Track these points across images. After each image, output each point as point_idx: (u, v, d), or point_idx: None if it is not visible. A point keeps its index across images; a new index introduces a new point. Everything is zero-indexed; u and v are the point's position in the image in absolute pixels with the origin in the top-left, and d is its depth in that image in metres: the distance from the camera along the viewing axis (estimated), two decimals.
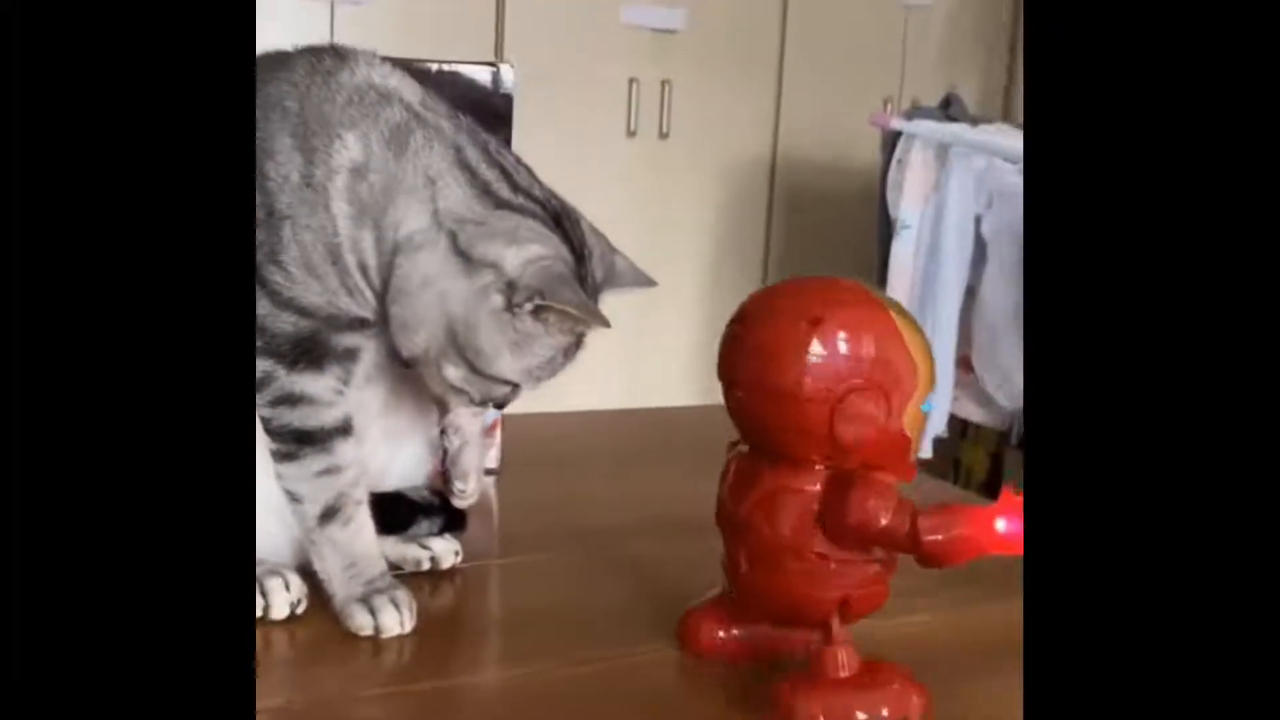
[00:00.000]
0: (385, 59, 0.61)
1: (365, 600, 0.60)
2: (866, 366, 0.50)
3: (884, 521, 0.50)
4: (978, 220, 2.05)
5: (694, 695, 0.56)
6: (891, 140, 2.17)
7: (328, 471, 0.60)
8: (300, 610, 0.60)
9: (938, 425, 2.13)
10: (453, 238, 0.57)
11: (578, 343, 0.60)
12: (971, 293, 2.10)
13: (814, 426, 0.50)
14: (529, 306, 0.57)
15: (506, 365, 0.58)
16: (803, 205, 2.79)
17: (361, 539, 0.61)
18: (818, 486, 0.51)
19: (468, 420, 0.67)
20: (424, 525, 0.70)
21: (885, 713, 0.51)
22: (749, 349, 0.52)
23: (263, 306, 0.59)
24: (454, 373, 0.58)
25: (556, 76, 2.51)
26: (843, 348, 0.50)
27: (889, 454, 0.52)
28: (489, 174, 0.59)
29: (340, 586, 0.60)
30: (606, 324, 0.59)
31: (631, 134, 2.62)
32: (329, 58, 0.60)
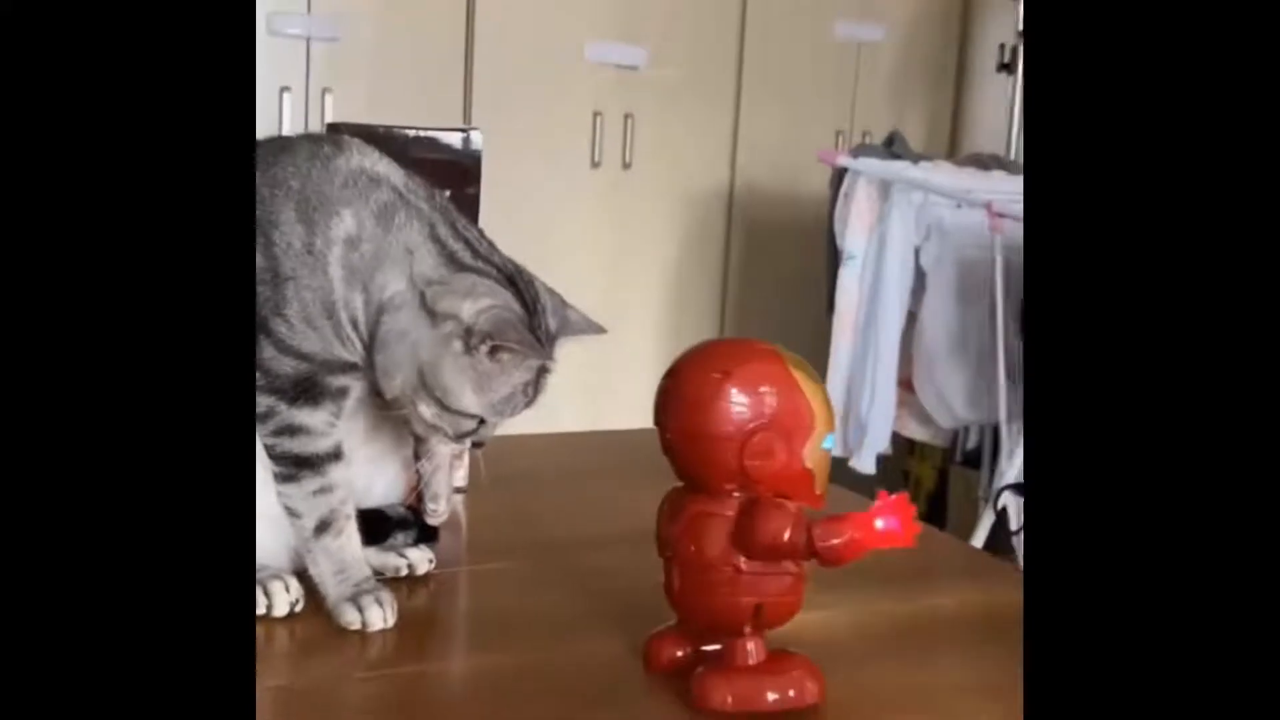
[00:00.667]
0: (374, 146, 0.73)
1: (354, 599, 0.70)
2: (769, 411, 0.61)
3: (786, 537, 0.60)
4: (917, 251, 2.19)
5: (635, 683, 0.66)
6: (838, 175, 2.30)
7: (322, 491, 0.71)
8: (299, 609, 0.71)
9: (881, 443, 2.25)
10: (422, 297, 0.68)
11: (537, 382, 0.71)
12: (913, 318, 2.24)
13: (727, 460, 0.61)
14: (484, 348, 0.68)
15: (470, 401, 0.69)
16: (759, 233, 2.92)
17: (350, 548, 0.72)
18: (732, 511, 0.62)
19: (440, 448, 0.78)
20: (400, 538, 0.80)
21: (789, 694, 0.62)
22: (675, 399, 0.63)
23: (267, 351, 0.69)
24: (427, 410, 0.69)
25: (524, 110, 2.62)
26: (748, 395, 0.61)
27: (794, 485, 0.62)
28: (455, 245, 0.70)
29: (332, 588, 0.71)
30: (547, 357, 0.70)
31: (596, 165, 2.73)
32: (327, 145, 0.71)
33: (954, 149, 3.10)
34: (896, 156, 2.32)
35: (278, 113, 2.42)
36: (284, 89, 2.42)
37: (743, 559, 0.61)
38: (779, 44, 2.88)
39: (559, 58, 2.66)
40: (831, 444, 0.64)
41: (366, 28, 2.48)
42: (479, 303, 0.68)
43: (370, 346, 0.69)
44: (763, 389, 0.61)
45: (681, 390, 0.63)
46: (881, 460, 2.34)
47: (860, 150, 2.37)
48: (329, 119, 2.43)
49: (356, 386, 0.72)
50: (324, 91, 2.44)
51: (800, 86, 2.92)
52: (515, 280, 0.71)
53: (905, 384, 2.32)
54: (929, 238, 2.18)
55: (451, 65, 2.57)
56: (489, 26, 2.57)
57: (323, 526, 0.71)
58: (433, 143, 0.97)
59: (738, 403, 0.61)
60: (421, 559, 0.79)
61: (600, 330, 0.75)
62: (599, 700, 0.65)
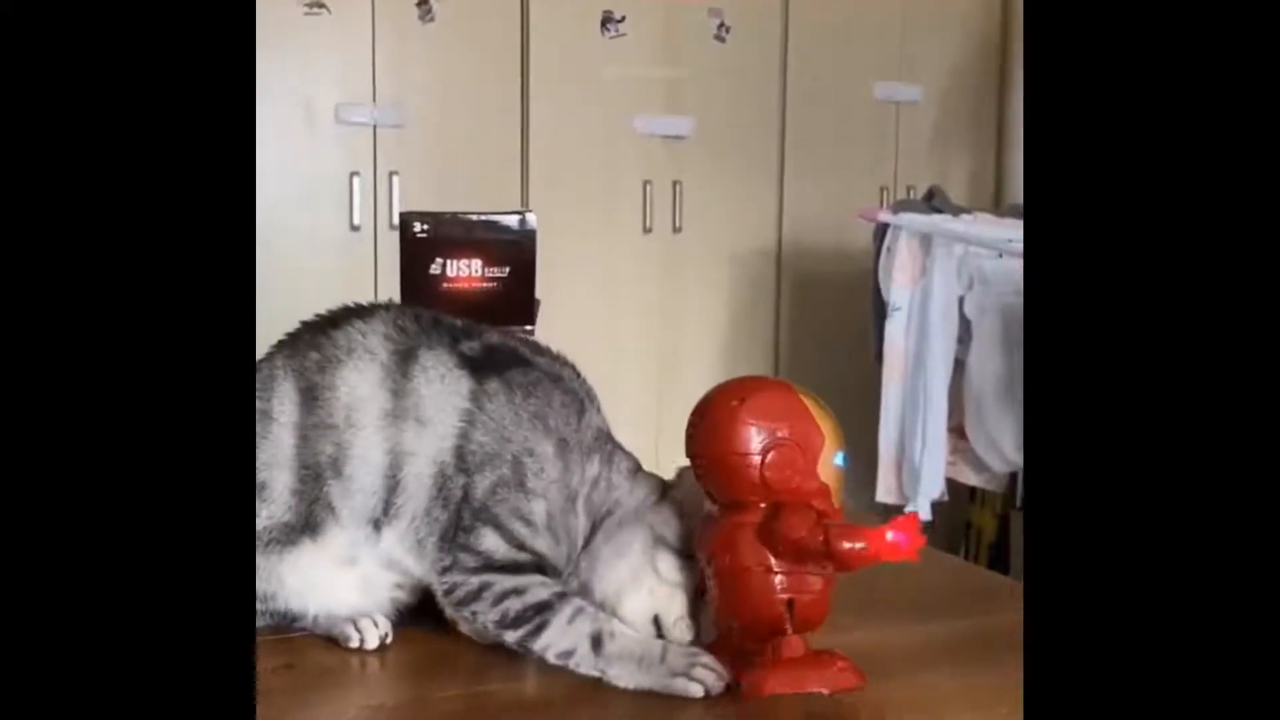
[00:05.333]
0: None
1: (676, 676, 0.71)
2: (782, 430, 0.70)
3: (804, 533, 0.68)
4: (961, 301, 2.25)
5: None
6: (881, 231, 2.38)
7: (575, 616, 0.73)
8: (388, 641, 0.80)
9: (935, 489, 2.30)
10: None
11: None
12: (960, 366, 2.30)
13: (750, 475, 0.69)
14: (674, 494, 0.78)
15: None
16: (807, 288, 3.00)
17: (629, 640, 0.73)
18: (758, 519, 0.70)
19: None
20: None
21: (826, 688, 0.69)
22: (702, 429, 0.72)
23: (490, 540, 0.75)
24: (666, 565, 0.75)
25: (578, 183, 2.75)
26: (762, 417, 0.70)
27: (812, 496, 0.70)
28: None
29: (648, 680, 0.71)
30: None
31: (647, 230, 2.85)
32: (575, 396, 0.80)
33: (999, 200, 3.15)
34: (937, 210, 2.40)
35: (348, 195, 2.58)
36: (354, 173, 2.59)
37: (772, 559, 0.69)
38: (820, 107, 2.98)
39: (609, 132, 2.79)
40: (843, 461, 0.72)
41: (429, 114, 2.64)
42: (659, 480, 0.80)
43: (584, 553, 0.78)
44: (775, 412, 0.70)
45: (705, 420, 0.72)
46: (938, 507, 2.37)
47: (900, 206, 2.45)
48: (396, 200, 2.58)
49: (550, 586, 0.76)
50: (391, 175, 2.60)
51: (842, 147, 3.01)
52: None
53: (958, 431, 2.36)
54: (972, 287, 2.24)
55: (509, 144, 2.71)
56: (543, 107, 2.72)
57: (597, 642, 0.73)
58: (493, 225, 1.08)
59: (754, 424, 0.70)
60: None
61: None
62: (655, 697, 0.72)
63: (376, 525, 0.78)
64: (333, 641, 0.80)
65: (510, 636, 0.74)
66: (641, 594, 0.76)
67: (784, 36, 2.93)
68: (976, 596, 0.98)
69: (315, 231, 2.57)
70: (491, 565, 0.75)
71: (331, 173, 2.58)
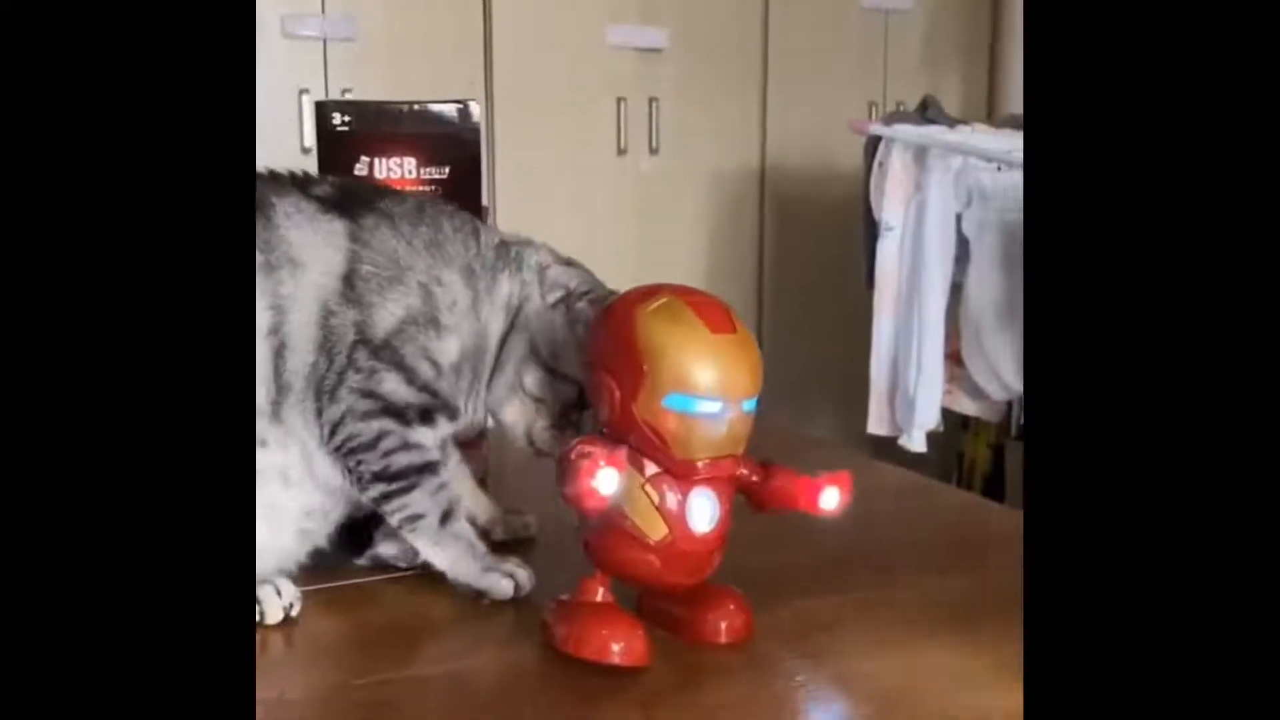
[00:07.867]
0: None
1: (494, 570, 0.70)
2: (606, 353, 0.61)
3: (567, 489, 0.59)
4: (959, 219, 2.10)
5: None
6: (872, 145, 2.22)
7: (441, 487, 0.71)
8: (294, 613, 0.66)
9: (930, 420, 2.17)
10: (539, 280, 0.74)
11: None
12: (958, 289, 2.15)
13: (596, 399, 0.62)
14: (580, 305, 0.72)
15: (571, 361, 0.71)
16: (793, 211, 2.85)
17: (469, 529, 0.72)
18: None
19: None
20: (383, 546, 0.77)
21: (615, 647, 0.60)
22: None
23: (389, 383, 0.68)
24: (531, 379, 0.71)
25: (546, 100, 2.57)
26: (595, 334, 0.63)
27: (635, 435, 0.59)
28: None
29: (468, 567, 0.70)
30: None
31: (622, 151, 2.68)
32: (469, 223, 0.74)
33: (992, 113, 3.00)
34: (931, 122, 2.24)
35: (298, 115, 2.39)
36: (303, 91, 2.39)
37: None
38: (804, 17, 2.81)
39: (579, 44, 2.61)
40: (687, 405, 0.58)
41: (382, 25, 2.44)
42: (576, 274, 0.74)
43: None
44: (606, 330, 0.62)
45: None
46: (934, 439, 2.25)
47: (893, 117, 2.29)
48: None
49: (448, 428, 0.73)
50: (344, 92, 2.41)
51: (829, 59, 2.85)
52: None
53: (954, 357, 2.23)
54: (970, 204, 2.09)
55: (470, 58, 2.52)
56: (506, 17, 2.53)
57: (446, 517, 0.71)
58: (429, 115, 0.92)
59: (593, 340, 0.63)
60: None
61: None
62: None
63: (276, 411, 0.68)
64: None
65: (376, 490, 0.69)
66: (514, 405, 0.73)
67: None
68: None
69: (262, 155, 2.37)
70: (390, 409, 0.69)
71: (279, 91, 2.39)
